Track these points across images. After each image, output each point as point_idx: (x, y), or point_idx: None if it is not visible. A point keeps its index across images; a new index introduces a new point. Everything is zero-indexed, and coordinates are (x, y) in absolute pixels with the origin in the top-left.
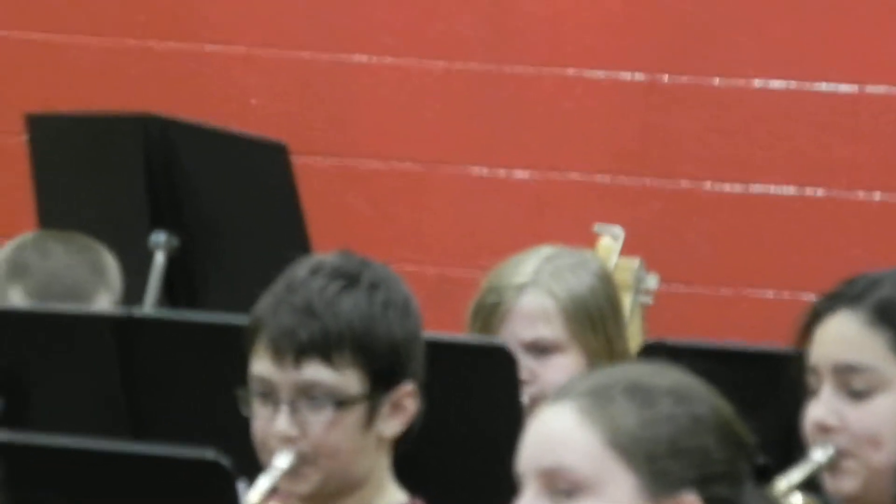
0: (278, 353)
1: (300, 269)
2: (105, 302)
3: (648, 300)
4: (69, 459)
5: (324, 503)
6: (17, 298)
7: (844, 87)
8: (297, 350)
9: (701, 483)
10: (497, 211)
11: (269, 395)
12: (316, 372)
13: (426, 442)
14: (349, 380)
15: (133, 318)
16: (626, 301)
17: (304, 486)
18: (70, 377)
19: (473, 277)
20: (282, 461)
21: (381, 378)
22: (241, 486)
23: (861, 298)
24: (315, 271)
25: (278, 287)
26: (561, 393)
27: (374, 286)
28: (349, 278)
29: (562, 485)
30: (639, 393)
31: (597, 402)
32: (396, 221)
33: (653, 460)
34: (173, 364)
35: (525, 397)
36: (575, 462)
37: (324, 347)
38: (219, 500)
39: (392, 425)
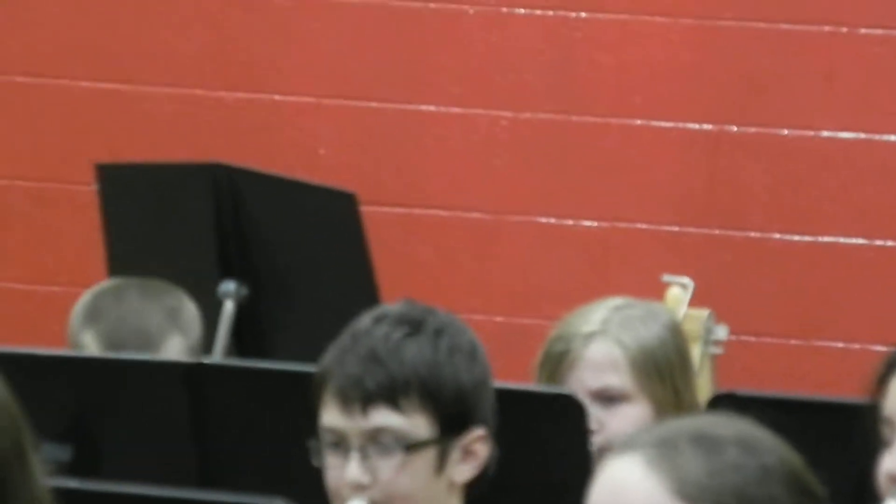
0: (346, 402)
1: (364, 319)
2: (176, 347)
3: (718, 351)
4: None
5: None
6: (89, 343)
7: None
8: (364, 397)
9: None
10: (564, 260)
11: (340, 444)
12: (384, 418)
13: (496, 490)
14: (418, 424)
15: (203, 367)
16: (696, 352)
17: None
18: (140, 425)
19: (540, 327)
20: None
21: (450, 423)
22: None
23: None
24: (379, 320)
25: (343, 338)
26: (627, 444)
27: (438, 332)
28: (413, 325)
29: None
30: (705, 442)
31: (663, 452)
32: (464, 271)
33: None
34: (243, 412)
35: (592, 446)
36: None
37: (390, 393)
38: None
39: (463, 470)
